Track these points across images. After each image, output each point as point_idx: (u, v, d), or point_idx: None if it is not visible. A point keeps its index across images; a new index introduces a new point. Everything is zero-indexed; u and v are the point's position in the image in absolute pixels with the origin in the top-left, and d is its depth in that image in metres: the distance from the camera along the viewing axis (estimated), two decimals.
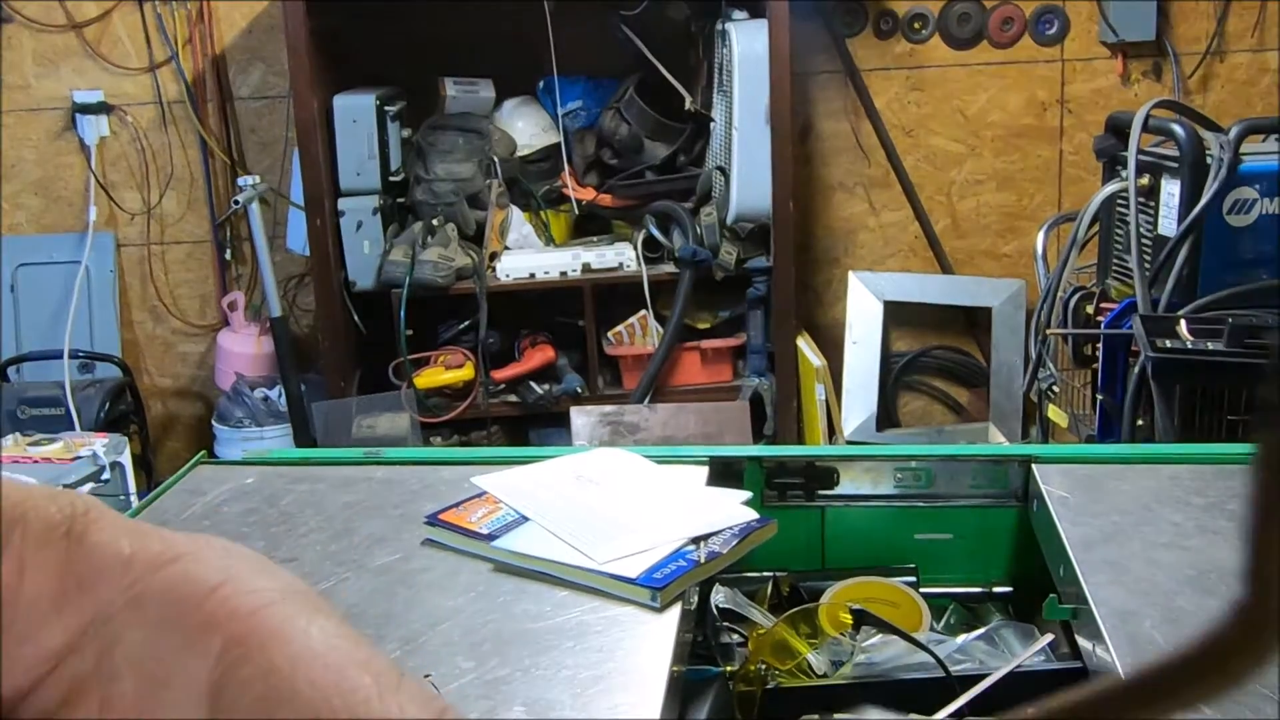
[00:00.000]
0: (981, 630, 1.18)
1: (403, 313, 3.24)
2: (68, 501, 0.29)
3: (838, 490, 1.31)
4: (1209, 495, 1.12)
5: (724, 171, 3.34)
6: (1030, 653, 1.09)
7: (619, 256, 3.35)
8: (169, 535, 0.29)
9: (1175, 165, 2.32)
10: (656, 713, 0.84)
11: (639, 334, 3.44)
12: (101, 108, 3.72)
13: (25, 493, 0.28)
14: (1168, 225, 2.33)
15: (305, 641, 0.28)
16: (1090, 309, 2.52)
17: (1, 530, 0.27)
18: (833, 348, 3.65)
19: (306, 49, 3.18)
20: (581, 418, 3.25)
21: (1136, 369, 2.11)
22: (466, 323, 3.39)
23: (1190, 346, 1.98)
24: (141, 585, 0.28)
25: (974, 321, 3.78)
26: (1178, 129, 2.33)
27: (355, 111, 3.27)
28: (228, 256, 3.83)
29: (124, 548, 0.28)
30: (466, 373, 3.35)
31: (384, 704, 0.27)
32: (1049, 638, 1.11)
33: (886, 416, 3.74)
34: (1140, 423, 2.13)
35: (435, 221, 3.34)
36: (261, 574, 0.29)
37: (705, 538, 1.06)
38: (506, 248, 3.43)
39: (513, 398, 3.41)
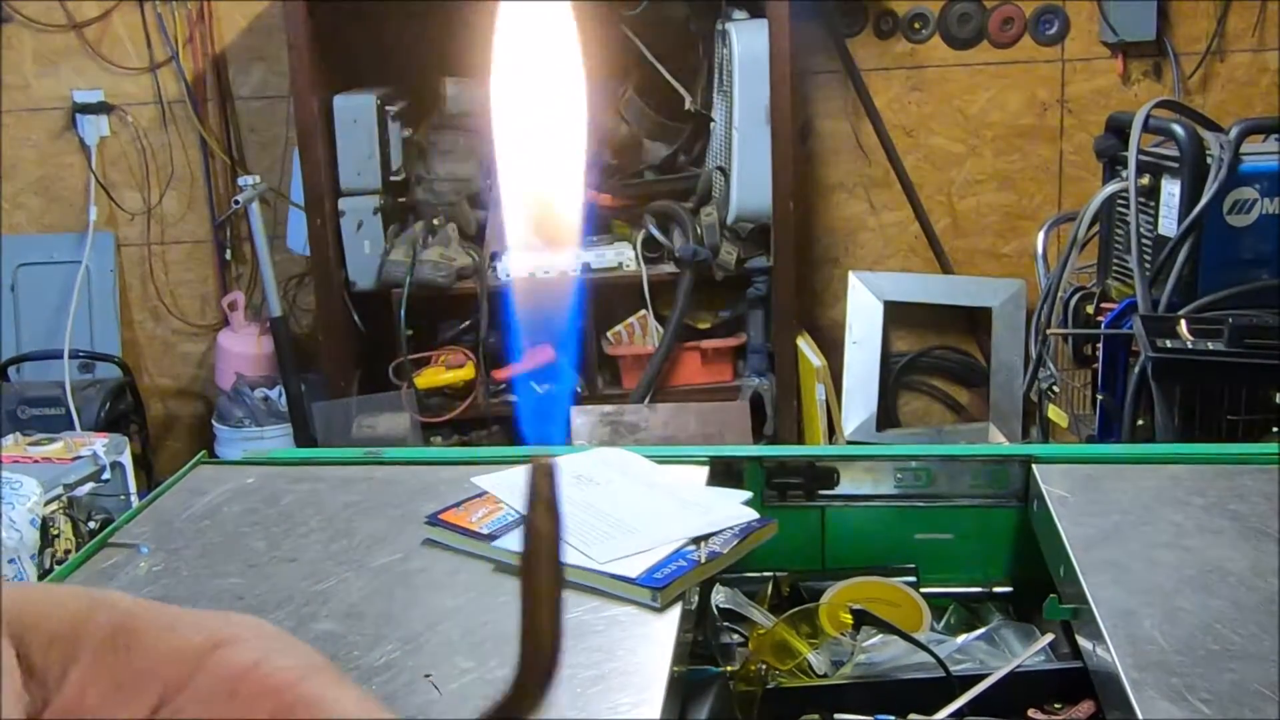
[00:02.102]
0: (982, 630, 1.18)
1: (403, 312, 3.24)
2: (110, 606, 0.34)
3: (838, 490, 1.31)
4: (1209, 495, 1.12)
5: (724, 171, 3.34)
6: (1030, 653, 1.09)
7: (619, 256, 3.35)
8: (206, 623, 0.34)
9: (1175, 165, 2.32)
10: (656, 713, 0.84)
11: (639, 334, 3.44)
12: (101, 107, 3.72)
13: (81, 603, 0.34)
14: (1168, 225, 2.33)
15: (341, 708, 0.33)
16: (1090, 309, 2.52)
17: (65, 646, 0.33)
18: (833, 348, 3.65)
19: (307, 49, 3.18)
20: (582, 417, 3.25)
21: (1136, 369, 2.11)
22: (467, 323, 3.39)
23: (1190, 346, 1.98)
24: (193, 672, 0.33)
25: (974, 321, 3.78)
26: (1178, 129, 2.32)
27: (355, 111, 3.27)
28: (228, 256, 3.83)
29: (172, 642, 0.34)
30: (467, 372, 3.35)
31: None
32: (1049, 638, 1.11)
33: (886, 416, 3.74)
34: (1140, 423, 2.13)
35: (436, 221, 3.34)
36: (288, 651, 0.34)
37: (705, 538, 1.06)
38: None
39: (513, 397, 3.41)
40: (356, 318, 3.37)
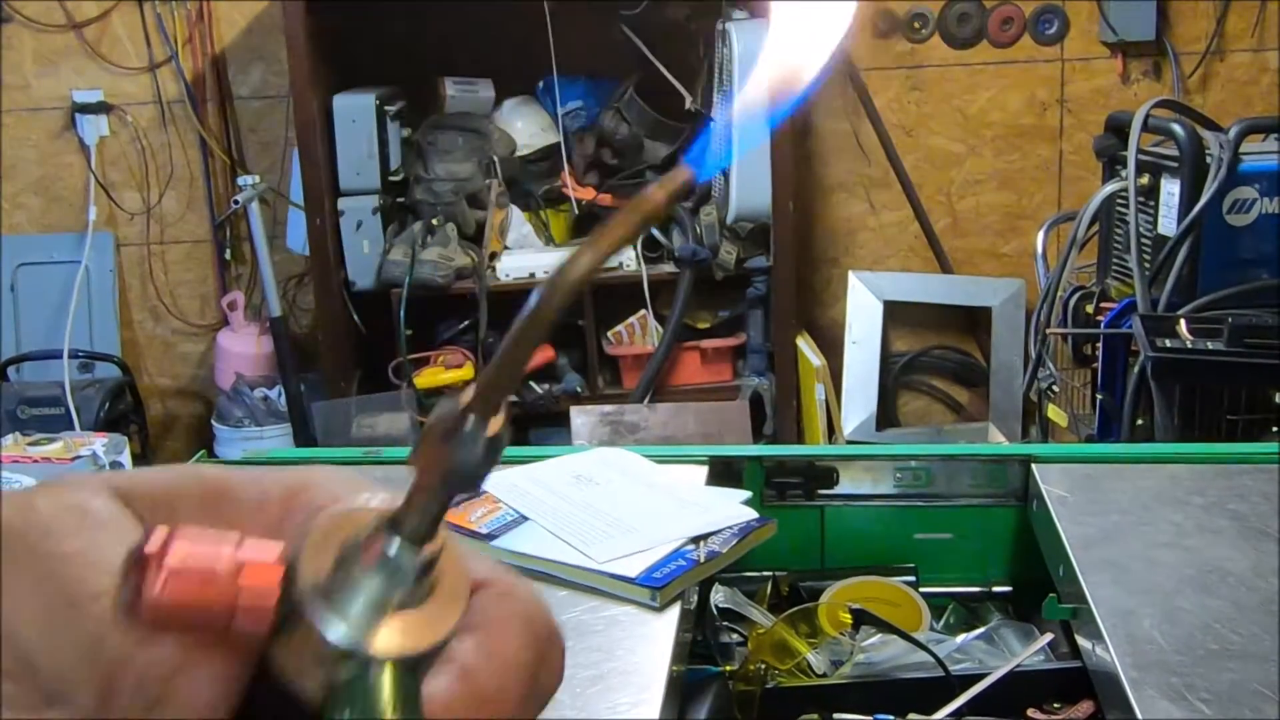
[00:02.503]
0: (981, 630, 1.18)
1: (402, 312, 3.24)
2: (197, 474, 0.39)
3: (837, 490, 1.31)
4: (1209, 495, 1.12)
5: (724, 171, 3.34)
6: (1030, 652, 1.09)
7: (619, 256, 3.35)
8: (285, 475, 0.39)
9: (1175, 165, 2.32)
10: (656, 712, 0.84)
11: (639, 334, 3.44)
12: (101, 107, 3.72)
13: (172, 474, 0.38)
14: (1168, 225, 2.33)
15: None
16: (1090, 309, 2.52)
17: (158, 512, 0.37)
18: (833, 348, 3.65)
19: (306, 49, 3.18)
20: (581, 417, 3.25)
21: (1136, 369, 2.11)
22: (466, 322, 3.39)
23: (1190, 346, 1.98)
24: (280, 514, 0.37)
25: (974, 321, 3.78)
26: (1178, 129, 2.32)
27: (355, 111, 3.27)
28: (228, 256, 3.83)
29: (258, 492, 0.38)
30: (466, 372, 3.35)
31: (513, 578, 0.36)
32: (1049, 637, 1.11)
33: (886, 416, 3.74)
34: (1140, 423, 2.13)
35: (435, 221, 3.34)
36: (360, 490, 0.38)
37: (705, 537, 1.06)
38: (506, 247, 3.43)
39: (512, 397, 3.40)
40: (356, 318, 3.37)
